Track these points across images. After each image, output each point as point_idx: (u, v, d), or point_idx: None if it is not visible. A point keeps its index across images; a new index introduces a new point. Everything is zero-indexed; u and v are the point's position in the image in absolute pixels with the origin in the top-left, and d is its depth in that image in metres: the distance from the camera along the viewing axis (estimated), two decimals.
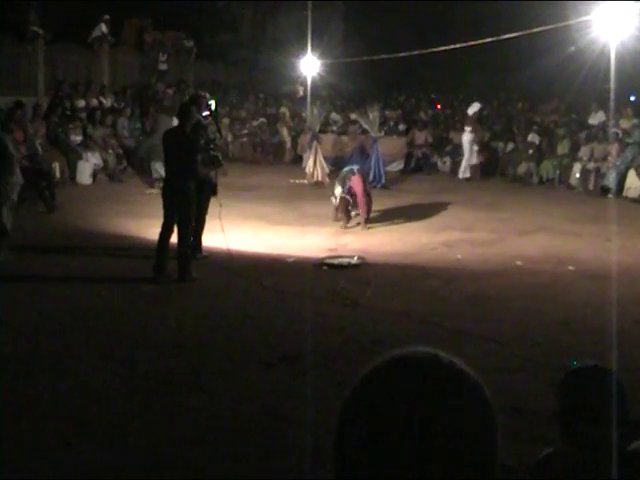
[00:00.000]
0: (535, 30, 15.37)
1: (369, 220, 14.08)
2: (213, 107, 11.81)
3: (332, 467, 1.20)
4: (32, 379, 6.65)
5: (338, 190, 13.82)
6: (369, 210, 14.26)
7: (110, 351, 7.38)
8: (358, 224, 13.94)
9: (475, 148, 21.00)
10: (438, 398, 1.16)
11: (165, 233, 10.02)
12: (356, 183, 13.77)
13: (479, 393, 1.21)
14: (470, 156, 21.01)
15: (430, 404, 1.15)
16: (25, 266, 10.53)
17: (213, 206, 10.85)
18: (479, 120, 21.86)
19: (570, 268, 10.88)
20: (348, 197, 13.74)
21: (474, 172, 21.06)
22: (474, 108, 21.65)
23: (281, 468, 5.14)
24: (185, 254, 9.98)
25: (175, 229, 9.96)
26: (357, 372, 1.24)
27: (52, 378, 6.69)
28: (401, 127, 24.28)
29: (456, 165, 22.55)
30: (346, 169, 14.30)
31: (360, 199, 13.79)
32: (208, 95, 11.98)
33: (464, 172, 21.12)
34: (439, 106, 26.94)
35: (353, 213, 14.08)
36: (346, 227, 13.80)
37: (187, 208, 9.93)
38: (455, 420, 1.15)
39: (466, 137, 21.11)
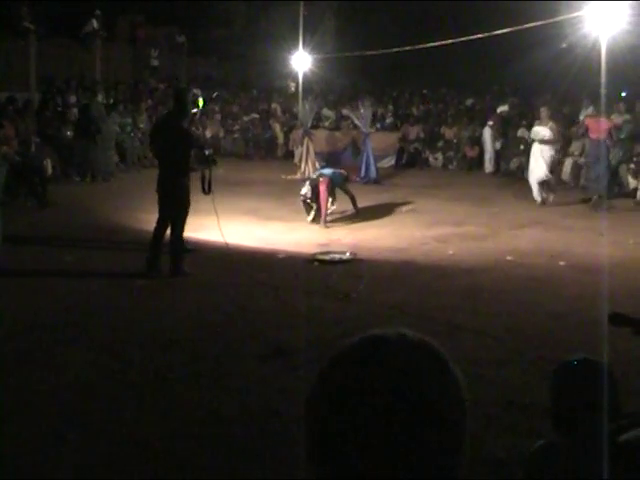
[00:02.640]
0: (527, 25, 15.41)
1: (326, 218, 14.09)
2: (201, 103, 11.77)
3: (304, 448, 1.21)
4: (25, 374, 6.65)
5: (303, 190, 14.15)
6: (356, 206, 14.52)
7: (104, 346, 7.38)
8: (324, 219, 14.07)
9: (497, 144, 21.39)
10: (406, 375, 1.17)
11: (160, 228, 10.00)
12: (322, 187, 13.96)
13: (448, 371, 1.22)
14: (492, 150, 21.45)
15: (398, 382, 1.16)
16: (17, 261, 10.52)
17: (205, 201, 10.78)
18: (504, 120, 22.15)
19: (562, 262, 10.92)
20: (309, 199, 14.03)
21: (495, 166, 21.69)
22: (502, 107, 22.49)
23: (276, 462, 5.15)
24: (178, 249, 9.97)
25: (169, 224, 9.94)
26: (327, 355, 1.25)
27: (45, 373, 6.68)
28: (389, 120, 24.33)
29: (448, 160, 22.66)
30: (317, 173, 14.58)
31: (322, 199, 13.93)
32: (198, 91, 11.95)
33: (489, 167, 21.65)
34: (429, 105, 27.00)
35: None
36: (309, 221, 14.00)
37: (181, 203, 9.89)
38: (423, 397, 1.16)
39: (487, 132, 21.65)
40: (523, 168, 20.33)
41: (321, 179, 14.02)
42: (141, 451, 5.32)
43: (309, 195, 13.95)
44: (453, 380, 1.21)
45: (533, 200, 16.14)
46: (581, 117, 20.50)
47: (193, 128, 11.12)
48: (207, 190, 10.56)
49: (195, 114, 11.12)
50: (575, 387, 2.88)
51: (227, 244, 10.93)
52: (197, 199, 10.38)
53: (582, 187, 16.20)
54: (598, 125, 15.97)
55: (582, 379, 2.87)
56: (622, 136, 18.45)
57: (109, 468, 5.13)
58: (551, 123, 16.03)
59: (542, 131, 15.89)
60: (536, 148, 16.01)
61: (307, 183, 14.31)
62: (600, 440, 2.66)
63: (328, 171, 14.47)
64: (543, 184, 15.94)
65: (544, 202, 15.90)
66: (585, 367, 2.92)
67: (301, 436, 1.23)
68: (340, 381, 1.19)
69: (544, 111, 16.26)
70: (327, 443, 1.17)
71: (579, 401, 2.83)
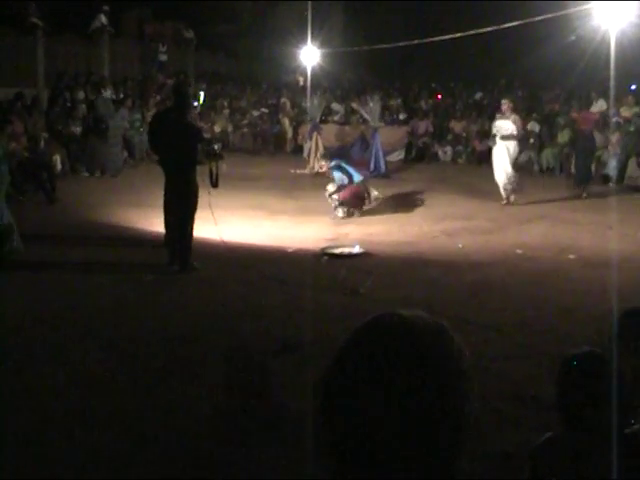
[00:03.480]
0: (536, 19, 15.34)
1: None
2: (202, 98, 11.71)
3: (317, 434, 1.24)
4: (33, 369, 6.66)
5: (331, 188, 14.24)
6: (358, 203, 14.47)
7: (110, 341, 7.39)
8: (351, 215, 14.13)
9: None
10: (400, 354, 1.21)
11: (171, 225, 10.00)
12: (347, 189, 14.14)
13: (454, 344, 1.27)
14: None
15: (394, 361, 1.20)
16: (26, 257, 10.53)
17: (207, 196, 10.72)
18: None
19: (571, 256, 10.89)
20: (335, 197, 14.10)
21: None
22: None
23: (282, 457, 5.15)
24: (187, 245, 9.95)
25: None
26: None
27: (53, 368, 6.69)
28: (402, 116, 24.30)
29: (457, 154, 22.61)
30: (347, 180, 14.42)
31: (348, 195, 14.11)
32: (205, 86, 11.87)
33: None
34: (440, 96, 26.93)
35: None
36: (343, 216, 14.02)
37: (190, 198, 9.85)
38: (420, 375, 1.20)
39: None
40: (533, 161, 20.31)
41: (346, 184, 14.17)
42: (147, 447, 5.32)
43: (335, 197, 14.01)
44: (458, 350, 1.27)
45: (541, 194, 16.11)
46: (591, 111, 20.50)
47: (201, 124, 11.04)
48: (215, 184, 10.51)
49: (195, 108, 11.03)
50: (581, 380, 2.87)
51: (223, 241, 10.92)
52: (201, 194, 10.37)
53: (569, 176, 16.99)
54: (585, 116, 16.21)
55: (587, 372, 2.87)
56: (631, 129, 18.40)
57: (114, 465, 5.14)
58: (514, 116, 15.10)
59: (505, 125, 14.95)
60: (501, 145, 15.03)
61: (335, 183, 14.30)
62: (606, 432, 2.66)
63: (356, 177, 14.40)
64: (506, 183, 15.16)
65: (508, 202, 15.15)
66: (590, 360, 2.92)
67: (308, 431, 1.25)
68: (344, 370, 1.24)
69: (506, 103, 15.22)
70: (335, 404, 1.22)
71: (585, 394, 2.83)
